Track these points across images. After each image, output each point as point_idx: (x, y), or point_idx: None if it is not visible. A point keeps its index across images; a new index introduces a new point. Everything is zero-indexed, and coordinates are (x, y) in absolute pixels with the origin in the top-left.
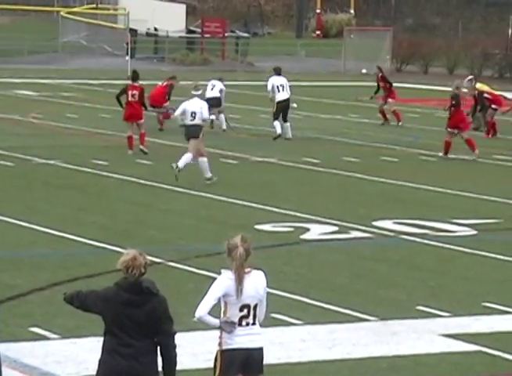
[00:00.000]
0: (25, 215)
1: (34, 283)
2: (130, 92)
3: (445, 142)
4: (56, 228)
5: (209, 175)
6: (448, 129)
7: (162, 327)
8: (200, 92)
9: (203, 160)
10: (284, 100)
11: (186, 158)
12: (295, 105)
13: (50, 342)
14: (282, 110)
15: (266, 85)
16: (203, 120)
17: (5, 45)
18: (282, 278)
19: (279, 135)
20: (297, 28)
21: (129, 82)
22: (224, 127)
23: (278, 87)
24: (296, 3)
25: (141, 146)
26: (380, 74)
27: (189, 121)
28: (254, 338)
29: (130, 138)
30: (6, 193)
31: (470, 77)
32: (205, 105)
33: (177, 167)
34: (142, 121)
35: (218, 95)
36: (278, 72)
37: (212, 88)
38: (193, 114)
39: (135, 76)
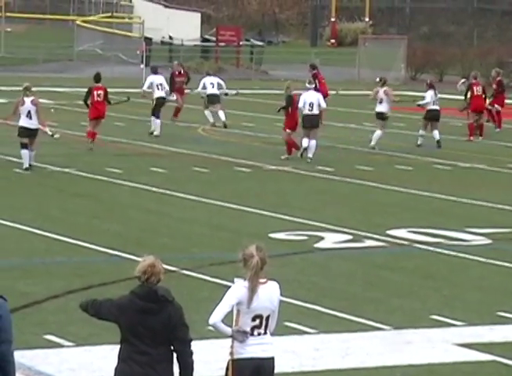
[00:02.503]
0: (39, 223)
1: (49, 290)
2: (96, 93)
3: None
4: (70, 236)
5: (310, 155)
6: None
7: (178, 334)
8: (313, 86)
9: (314, 142)
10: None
11: (312, 146)
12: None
13: (64, 350)
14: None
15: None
16: (321, 109)
17: (20, 53)
18: (295, 286)
19: (305, 149)
20: (311, 37)
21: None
22: (223, 119)
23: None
24: (311, 12)
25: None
26: (498, 78)
27: (307, 111)
28: (266, 347)
29: (95, 133)
30: (21, 200)
31: (463, 80)
32: (321, 96)
33: (305, 150)
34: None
35: (217, 91)
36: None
37: (212, 86)
38: (311, 105)
39: (97, 77)
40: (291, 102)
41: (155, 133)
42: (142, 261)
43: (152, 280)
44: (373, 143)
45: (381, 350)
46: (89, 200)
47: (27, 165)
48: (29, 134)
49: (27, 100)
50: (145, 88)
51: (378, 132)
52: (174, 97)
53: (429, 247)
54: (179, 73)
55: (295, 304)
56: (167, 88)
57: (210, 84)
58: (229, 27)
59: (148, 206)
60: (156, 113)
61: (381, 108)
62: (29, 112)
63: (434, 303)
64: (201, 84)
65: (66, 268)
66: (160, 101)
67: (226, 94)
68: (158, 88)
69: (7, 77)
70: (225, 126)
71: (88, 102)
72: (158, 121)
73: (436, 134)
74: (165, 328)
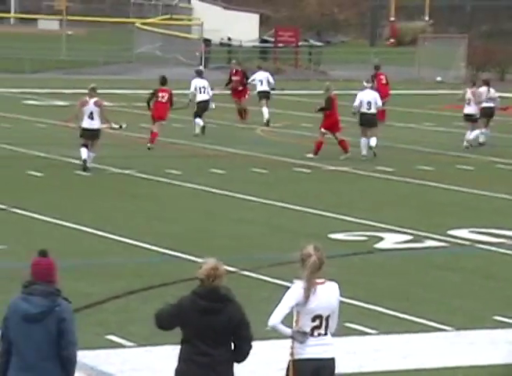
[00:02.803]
0: (100, 224)
1: (110, 291)
2: (160, 94)
3: None
4: (131, 237)
5: (364, 152)
6: None
7: (241, 332)
8: (371, 84)
9: (374, 138)
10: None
11: (373, 141)
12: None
13: (126, 350)
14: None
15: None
16: (377, 108)
17: (80, 55)
18: (355, 287)
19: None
20: (370, 36)
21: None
22: (267, 117)
23: (367, 103)
24: (370, 11)
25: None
26: None
27: (365, 110)
28: (326, 348)
29: (156, 134)
30: (82, 202)
31: None
32: (378, 95)
33: (366, 154)
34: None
35: (267, 88)
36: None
37: (261, 83)
38: (369, 104)
39: (163, 80)
40: (330, 103)
41: (196, 132)
42: (204, 264)
43: (215, 283)
44: (467, 143)
45: (443, 351)
46: (149, 201)
47: (85, 158)
48: (90, 135)
49: (91, 101)
50: (192, 90)
51: (476, 132)
52: (213, 106)
53: (491, 248)
54: (236, 72)
55: (355, 305)
56: (211, 92)
57: (259, 81)
58: (288, 28)
59: (207, 207)
60: (197, 115)
61: (469, 110)
62: (91, 113)
63: (496, 304)
64: (250, 79)
65: (126, 269)
66: (202, 105)
67: (273, 89)
68: (201, 92)
69: (68, 79)
70: (267, 124)
71: (151, 103)
72: (197, 120)
73: (478, 133)
74: (227, 327)
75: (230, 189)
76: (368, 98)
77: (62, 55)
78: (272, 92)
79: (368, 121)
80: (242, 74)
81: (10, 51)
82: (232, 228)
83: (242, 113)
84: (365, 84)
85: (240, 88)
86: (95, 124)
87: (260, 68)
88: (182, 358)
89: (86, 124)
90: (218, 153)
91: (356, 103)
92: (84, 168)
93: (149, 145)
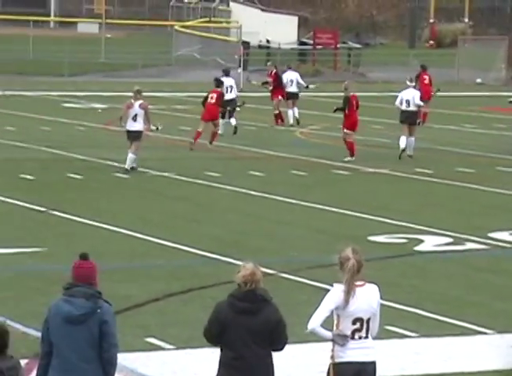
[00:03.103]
0: (139, 227)
1: (149, 293)
2: (210, 95)
3: None
4: (170, 239)
5: (406, 150)
6: None
7: (278, 334)
8: (413, 84)
9: (412, 139)
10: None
11: (405, 141)
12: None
13: (165, 352)
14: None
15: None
16: (417, 106)
17: (120, 58)
18: (395, 290)
19: (403, 150)
20: (409, 38)
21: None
22: (296, 116)
23: (406, 101)
24: (409, 13)
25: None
26: None
27: (404, 108)
28: (367, 351)
29: (199, 133)
30: (121, 204)
31: None
32: (417, 94)
33: (404, 151)
34: (217, 120)
35: (296, 89)
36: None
37: (291, 84)
38: (407, 102)
39: (216, 82)
40: (348, 102)
41: (219, 132)
42: (241, 268)
43: (252, 288)
44: None
45: (484, 354)
46: (188, 203)
47: (133, 166)
48: (132, 136)
49: (136, 104)
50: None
51: None
52: (240, 104)
53: None
54: (270, 73)
55: (395, 307)
56: (237, 91)
57: (290, 81)
58: (327, 30)
59: (246, 209)
60: (224, 114)
61: None
62: (136, 115)
63: None
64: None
65: (165, 271)
66: (227, 103)
67: (307, 87)
68: (227, 91)
69: (107, 82)
70: (298, 123)
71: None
72: (221, 121)
73: None
74: (264, 329)
75: (269, 192)
76: (407, 96)
77: (101, 58)
78: (306, 89)
79: (407, 119)
80: (276, 75)
81: (50, 54)
82: (271, 230)
83: (276, 117)
84: (408, 82)
85: (271, 87)
86: (137, 125)
87: (289, 68)
88: (221, 363)
89: (129, 126)
90: (257, 156)
91: (397, 102)
92: (131, 168)
93: (191, 145)
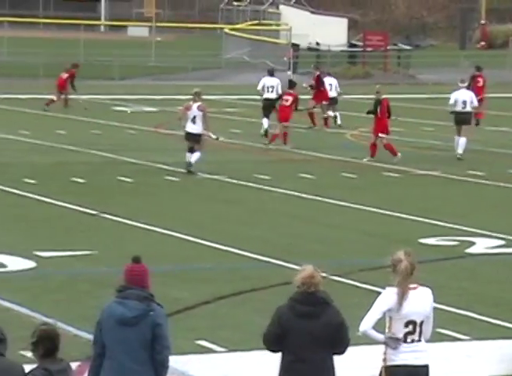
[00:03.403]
0: (190, 230)
1: (200, 296)
2: (284, 97)
3: None
4: (220, 242)
5: (460, 152)
6: None
7: (340, 336)
8: (466, 84)
9: (464, 140)
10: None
11: (462, 143)
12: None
13: (217, 355)
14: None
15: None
16: (473, 107)
17: (169, 61)
18: (447, 292)
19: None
20: (460, 39)
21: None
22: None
23: (462, 102)
24: (459, 14)
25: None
26: None
27: (460, 109)
28: (420, 355)
29: (276, 135)
30: (172, 207)
31: None
32: (473, 95)
33: (460, 155)
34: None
35: (335, 94)
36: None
37: (330, 88)
38: (464, 103)
39: (290, 84)
40: (379, 106)
41: (262, 132)
42: (301, 271)
43: (312, 291)
44: None
45: None
46: (238, 206)
47: (188, 161)
48: (192, 139)
49: (194, 106)
50: (259, 88)
51: None
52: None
53: None
54: (314, 77)
55: (446, 310)
56: (280, 92)
57: (329, 85)
58: (376, 32)
59: (296, 212)
60: (265, 113)
61: None
62: (194, 117)
63: None
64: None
65: (216, 274)
66: (267, 103)
67: (340, 94)
68: (268, 90)
69: (157, 85)
70: (336, 122)
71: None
72: (265, 120)
73: None
74: (326, 331)
75: (320, 194)
76: (463, 97)
77: (151, 61)
78: (339, 97)
79: (462, 120)
80: (318, 78)
81: (100, 58)
82: (321, 233)
83: (327, 120)
84: (459, 84)
85: (312, 90)
86: (196, 128)
87: (329, 74)
88: (282, 366)
89: (189, 128)
90: (307, 158)
91: (451, 102)
92: (188, 171)
93: (266, 142)
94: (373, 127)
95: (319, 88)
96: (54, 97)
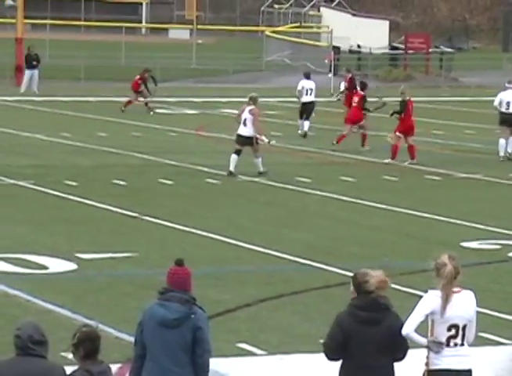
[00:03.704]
0: (230, 232)
1: (240, 299)
2: (353, 98)
3: None
4: (261, 244)
5: (501, 153)
6: None
7: (401, 342)
8: None
9: (503, 140)
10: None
11: (505, 144)
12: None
13: (257, 358)
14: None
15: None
16: None
17: (210, 64)
18: (489, 296)
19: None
20: (503, 42)
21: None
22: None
23: (506, 103)
24: (502, 16)
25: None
26: None
27: (504, 110)
28: (463, 359)
29: (344, 136)
30: (212, 210)
31: None
32: None
33: (510, 154)
34: (362, 123)
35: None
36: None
37: (308, 93)
38: (508, 104)
39: (362, 85)
40: (405, 107)
41: (300, 132)
42: (370, 276)
43: (373, 297)
44: None
45: None
46: (279, 209)
47: (231, 169)
48: (242, 141)
49: (247, 109)
50: (298, 89)
51: None
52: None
53: None
54: (346, 79)
55: (489, 314)
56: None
57: (309, 89)
58: (418, 34)
59: (337, 214)
60: (303, 116)
61: None
62: (245, 120)
63: None
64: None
65: (256, 276)
66: (306, 106)
67: (380, 98)
68: (307, 93)
69: (198, 88)
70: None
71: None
72: (300, 122)
73: None
74: (388, 337)
75: (360, 197)
76: (508, 98)
77: (192, 64)
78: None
79: (506, 121)
80: (351, 80)
81: (141, 60)
82: (362, 235)
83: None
84: (506, 84)
85: (344, 92)
86: (247, 131)
87: (307, 77)
88: (342, 373)
89: (240, 130)
90: (348, 161)
91: (496, 103)
92: (229, 173)
93: (334, 146)
94: (398, 128)
95: (351, 90)
96: (131, 98)
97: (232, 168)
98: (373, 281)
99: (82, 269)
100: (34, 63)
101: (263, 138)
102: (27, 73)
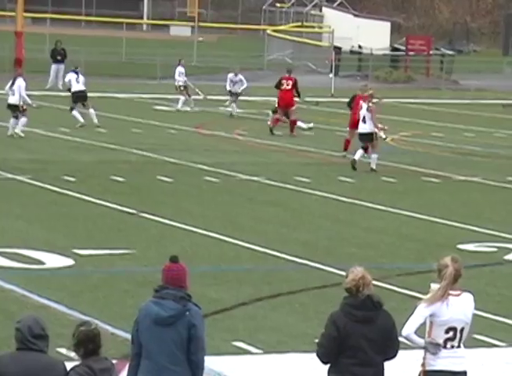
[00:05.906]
0: (229, 231)
1: (238, 298)
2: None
3: None
4: (259, 244)
5: None
6: None
7: (393, 341)
8: None
9: None
10: None
11: None
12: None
13: (254, 357)
14: None
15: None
16: None
17: (212, 62)
18: (485, 299)
19: None
20: (504, 45)
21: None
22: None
23: None
24: (503, 20)
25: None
26: None
27: None
28: (459, 361)
29: (278, 120)
30: (211, 208)
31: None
32: None
33: None
34: (293, 108)
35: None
36: None
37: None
38: None
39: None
40: (353, 102)
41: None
42: (350, 273)
43: (363, 292)
44: None
45: None
46: (278, 208)
47: (353, 158)
48: (364, 138)
49: (364, 106)
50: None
51: None
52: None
53: None
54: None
55: (484, 316)
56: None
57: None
58: (419, 36)
59: (336, 215)
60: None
61: None
62: (364, 117)
63: None
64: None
65: (254, 275)
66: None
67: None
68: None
69: (199, 85)
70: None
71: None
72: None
73: None
74: (381, 335)
75: (359, 198)
76: None
77: (193, 61)
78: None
79: None
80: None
81: (142, 57)
82: (360, 236)
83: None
84: None
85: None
86: (367, 127)
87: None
88: (338, 370)
89: (360, 128)
90: (347, 161)
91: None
92: (353, 167)
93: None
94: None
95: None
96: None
97: (374, 166)
98: (348, 279)
99: (79, 265)
100: (59, 57)
101: (381, 134)
102: (53, 68)
